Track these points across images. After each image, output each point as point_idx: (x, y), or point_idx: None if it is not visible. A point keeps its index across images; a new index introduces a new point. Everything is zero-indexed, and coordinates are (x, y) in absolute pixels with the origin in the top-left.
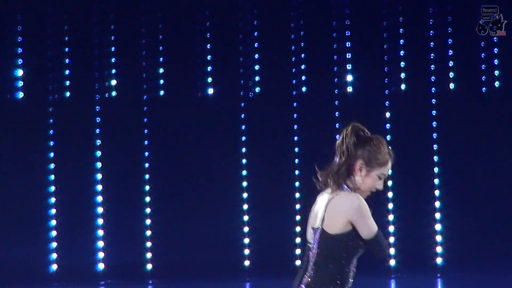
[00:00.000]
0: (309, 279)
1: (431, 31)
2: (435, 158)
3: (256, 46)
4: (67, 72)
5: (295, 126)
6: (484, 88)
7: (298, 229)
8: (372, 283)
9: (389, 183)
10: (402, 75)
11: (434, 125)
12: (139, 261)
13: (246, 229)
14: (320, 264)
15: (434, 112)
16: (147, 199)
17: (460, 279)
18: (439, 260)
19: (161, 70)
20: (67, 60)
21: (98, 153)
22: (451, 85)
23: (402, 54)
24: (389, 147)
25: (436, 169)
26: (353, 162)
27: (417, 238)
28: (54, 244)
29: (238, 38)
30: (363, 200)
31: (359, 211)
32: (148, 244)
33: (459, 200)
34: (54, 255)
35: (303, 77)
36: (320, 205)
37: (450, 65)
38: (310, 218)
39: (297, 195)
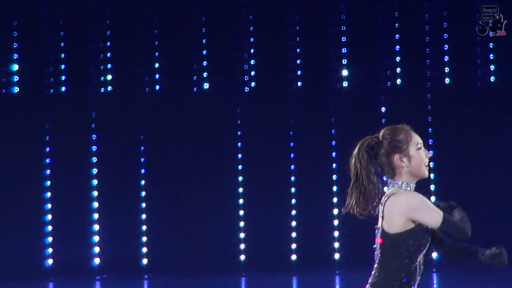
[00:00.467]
0: (375, 279)
1: (427, 26)
2: (430, 152)
3: (251, 41)
4: (63, 67)
5: (291, 121)
6: (479, 83)
7: (293, 223)
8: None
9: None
10: (398, 70)
11: (430, 120)
12: (134, 255)
13: (241, 223)
14: (384, 263)
15: (429, 107)
16: (143, 193)
17: (457, 274)
18: (434, 255)
19: (157, 65)
20: (63, 55)
21: (94, 148)
22: (447, 80)
23: (397, 49)
24: (400, 125)
25: (431, 164)
26: (389, 163)
27: None
28: (50, 239)
29: (234, 33)
30: (417, 194)
31: (415, 206)
32: (144, 238)
33: (456, 195)
34: (50, 250)
35: (299, 72)
36: (380, 205)
37: (446, 60)
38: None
39: (293, 189)
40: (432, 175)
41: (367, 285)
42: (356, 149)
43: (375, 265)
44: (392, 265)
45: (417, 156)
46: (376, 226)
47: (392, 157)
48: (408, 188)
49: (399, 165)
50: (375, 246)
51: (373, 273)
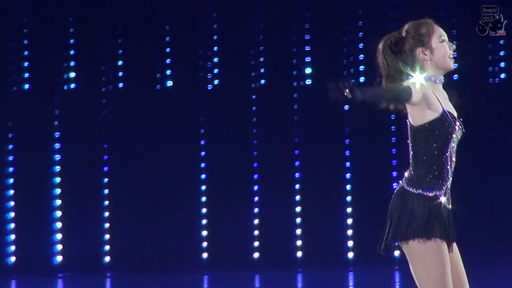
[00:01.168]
0: (409, 174)
1: (390, 25)
2: (393, 150)
3: (215, 38)
4: (26, 64)
5: (254, 119)
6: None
7: (256, 221)
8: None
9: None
10: (361, 67)
11: (393, 118)
12: (97, 253)
13: (204, 221)
14: (416, 158)
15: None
16: (106, 191)
17: None
18: (396, 253)
19: (120, 63)
20: (26, 53)
21: (57, 146)
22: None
23: (361, 47)
24: (423, 19)
25: (393, 162)
26: (413, 57)
27: None
28: (13, 237)
29: (197, 31)
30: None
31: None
32: (107, 236)
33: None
34: (12, 248)
35: (262, 70)
36: None
37: None
38: None
39: (256, 187)
40: None
41: (400, 181)
42: (381, 46)
43: (410, 160)
44: (423, 158)
45: (441, 48)
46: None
47: (415, 51)
48: (433, 81)
49: (423, 58)
50: (408, 141)
51: (409, 169)
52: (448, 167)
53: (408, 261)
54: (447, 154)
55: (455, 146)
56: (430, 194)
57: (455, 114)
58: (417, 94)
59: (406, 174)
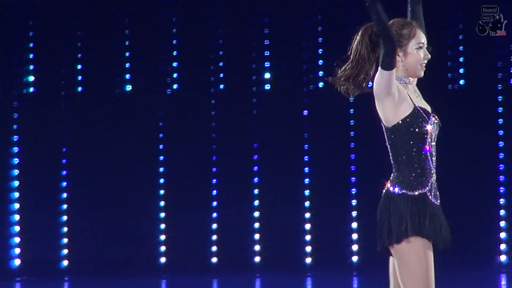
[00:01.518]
0: (392, 176)
1: (350, 30)
2: (352, 156)
3: (174, 43)
4: None
5: (213, 124)
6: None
7: (215, 226)
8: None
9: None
10: (320, 73)
11: (352, 123)
12: (55, 257)
13: (162, 226)
14: (396, 158)
15: (352, 110)
16: (64, 195)
17: (378, 278)
18: (354, 259)
19: (79, 67)
20: None
21: (15, 149)
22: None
23: (320, 52)
24: (409, 20)
25: (352, 168)
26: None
27: None
28: None
29: (156, 35)
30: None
31: (378, 85)
32: (65, 240)
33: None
34: None
35: (221, 75)
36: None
37: None
38: None
39: (214, 192)
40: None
41: (388, 183)
42: (361, 32)
43: (392, 163)
44: (402, 158)
45: (415, 54)
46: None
47: None
48: (402, 82)
49: (396, 59)
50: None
51: (392, 171)
52: (430, 162)
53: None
54: (424, 151)
55: (434, 142)
56: (416, 193)
57: (429, 109)
58: (394, 81)
59: (391, 176)
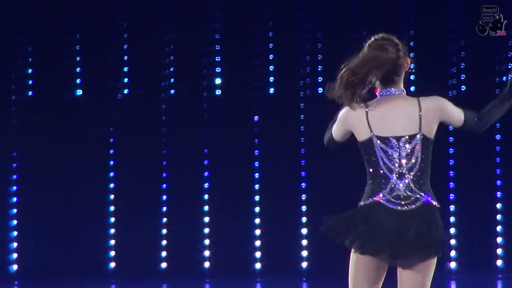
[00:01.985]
0: (425, 188)
1: (301, 35)
2: (302, 161)
3: (125, 48)
4: None
5: (163, 129)
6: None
7: (164, 231)
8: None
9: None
10: (271, 79)
11: (302, 129)
12: (4, 261)
13: (112, 231)
14: (427, 172)
15: (302, 116)
16: (14, 199)
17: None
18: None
19: (30, 71)
20: None
21: None
22: (319, 89)
23: (271, 58)
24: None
25: (303, 174)
26: (401, 64)
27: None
28: None
29: (107, 40)
30: None
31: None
32: (14, 244)
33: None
34: None
35: (172, 80)
36: (396, 111)
37: (319, 69)
38: (374, 126)
39: (164, 197)
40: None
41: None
42: (370, 43)
43: (412, 172)
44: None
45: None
46: (395, 135)
47: (406, 59)
48: (389, 94)
49: (406, 67)
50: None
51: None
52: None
53: None
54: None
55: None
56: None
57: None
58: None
59: (423, 188)
